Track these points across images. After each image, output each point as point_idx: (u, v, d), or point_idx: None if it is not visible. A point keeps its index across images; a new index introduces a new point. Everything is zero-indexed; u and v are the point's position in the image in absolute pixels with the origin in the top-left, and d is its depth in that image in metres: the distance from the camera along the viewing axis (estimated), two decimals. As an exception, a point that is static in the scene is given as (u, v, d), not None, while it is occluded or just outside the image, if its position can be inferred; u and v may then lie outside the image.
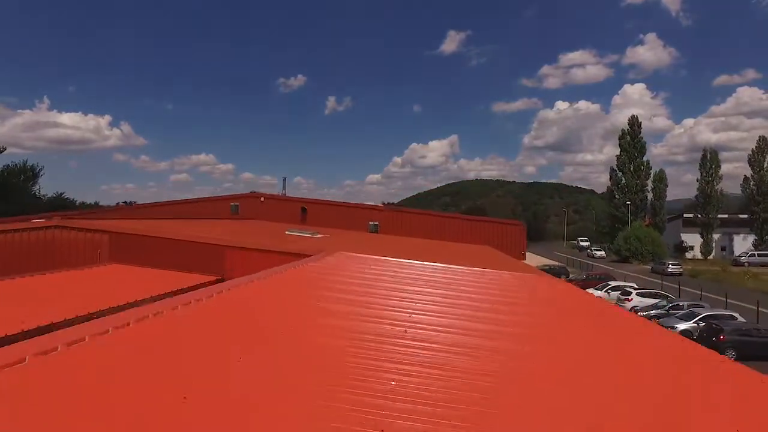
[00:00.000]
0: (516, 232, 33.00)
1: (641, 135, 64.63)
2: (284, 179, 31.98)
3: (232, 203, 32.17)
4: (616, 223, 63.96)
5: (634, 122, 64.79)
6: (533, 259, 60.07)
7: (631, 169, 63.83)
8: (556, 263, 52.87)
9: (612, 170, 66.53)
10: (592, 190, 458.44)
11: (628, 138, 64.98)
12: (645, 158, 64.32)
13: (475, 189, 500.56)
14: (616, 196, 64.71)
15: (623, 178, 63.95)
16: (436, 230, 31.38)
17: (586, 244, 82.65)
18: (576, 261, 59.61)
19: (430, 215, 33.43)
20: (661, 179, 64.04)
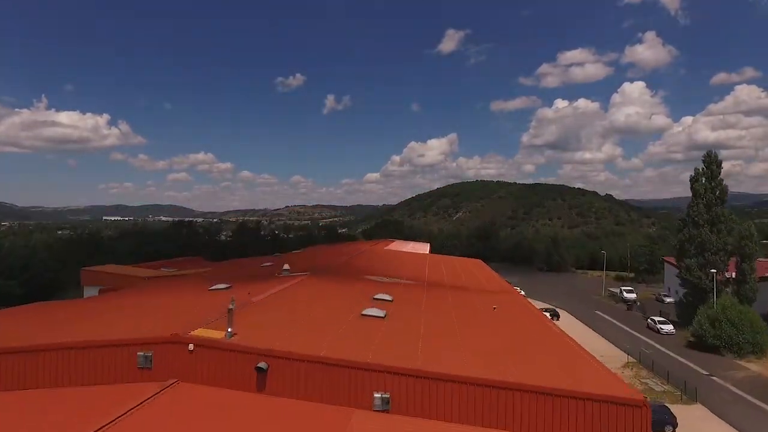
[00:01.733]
0: (632, 417, 18.70)
1: (720, 177, 50.36)
2: (230, 309, 16.73)
3: (140, 353, 17.66)
4: (691, 289, 49.74)
5: (712, 161, 50.47)
6: (595, 343, 43.84)
7: (709, 221, 49.50)
8: (637, 373, 37.99)
9: (682, 222, 52.26)
10: (595, 192, 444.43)
11: (703, 180, 50.67)
12: (726, 206, 50.14)
13: (475, 190, 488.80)
14: (689, 256, 50.34)
15: (700, 234, 49.42)
16: (484, 409, 17.10)
17: (632, 296, 68.09)
18: (646, 344, 45.27)
19: (476, 385, 19.02)
20: (750, 236, 49.58)
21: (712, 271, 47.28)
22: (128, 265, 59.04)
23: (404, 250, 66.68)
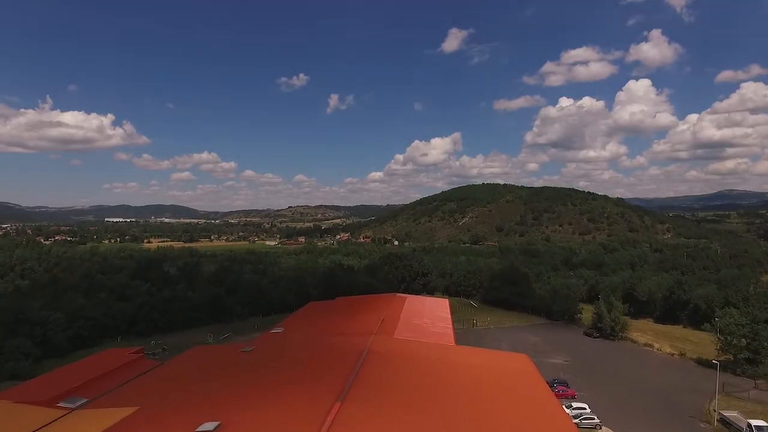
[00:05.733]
0: None
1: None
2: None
3: None
4: None
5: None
6: None
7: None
8: None
9: None
10: (605, 195, 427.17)
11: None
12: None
13: (481, 194, 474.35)
14: None
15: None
16: None
17: (763, 424, 44.74)
18: None
19: None
20: None
21: None
22: (37, 377, 43.39)
23: (420, 325, 53.45)
